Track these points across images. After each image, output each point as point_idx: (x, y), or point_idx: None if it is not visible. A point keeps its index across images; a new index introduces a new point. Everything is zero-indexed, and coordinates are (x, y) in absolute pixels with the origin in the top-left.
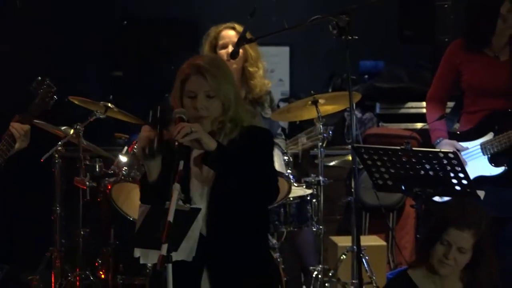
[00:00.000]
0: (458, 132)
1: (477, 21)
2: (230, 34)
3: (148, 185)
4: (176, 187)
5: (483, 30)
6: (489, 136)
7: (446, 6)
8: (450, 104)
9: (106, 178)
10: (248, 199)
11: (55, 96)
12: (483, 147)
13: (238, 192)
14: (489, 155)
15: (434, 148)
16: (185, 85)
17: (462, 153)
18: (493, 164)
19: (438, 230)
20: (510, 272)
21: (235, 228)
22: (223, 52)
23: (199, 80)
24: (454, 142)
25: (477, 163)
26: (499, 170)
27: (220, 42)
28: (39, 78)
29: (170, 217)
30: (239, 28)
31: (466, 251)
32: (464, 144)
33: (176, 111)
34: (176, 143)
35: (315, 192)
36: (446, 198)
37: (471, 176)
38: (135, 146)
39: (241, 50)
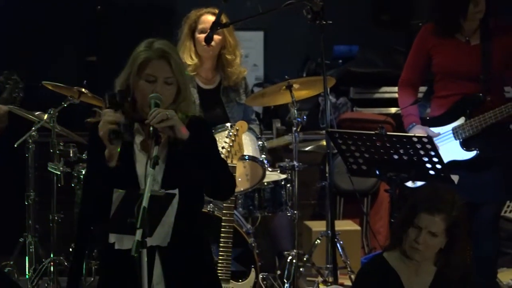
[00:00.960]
0: (427, 118)
1: (448, 6)
2: (210, 19)
3: (106, 172)
4: (151, 172)
5: (455, 15)
6: (461, 121)
7: None
8: (423, 89)
9: (80, 164)
10: (205, 188)
11: (21, 94)
12: (455, 131)
13: (191, 179)
14: (461, 140)
15: (407, 133)
16: (145, 69)
17: (434, 138)
18: (465, 149)
19: (410, 215)
20: (483, 256)
21: (186, 215)
22: (201, 36)
23: (162, 65)
24: (426, 127)
25: (449, 148)
26: (471, 154)
27: (200, 26)
28: (6, 71)
29: (145, 203)
30: None
31: (437, 235)
32: (436, 129)
33: (151, 96)
34: (151, 128)
35: (289, 177)
36: (420, 183)
37: (444, 161)
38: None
39: (220, 37)
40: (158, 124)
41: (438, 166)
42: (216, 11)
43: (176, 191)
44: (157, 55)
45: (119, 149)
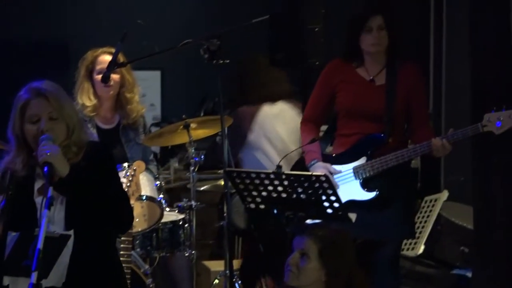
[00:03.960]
0: (333, 155)
1: (348, 33)
2: (107, 59)
3: None
4: (46, 213)
5: (353, 41)
6: (362, 161)
7: (316, 29)
8: (323, 127)
9: None
10: (102, 222)
11: None
12: (356, 171)
13: (90, 217)
14: (361, 180)
15: (308, 170)
16: (26, 111)
17: (335, 176)
18: (365, 189)
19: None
20: None
21: (82, 255)
22: (100, 77)
23: (41, 103)
24: (328, 165)
25: (349, 187)
26: (371, 195)
27: (98, 67)
28: None
29: (40, 245)
30: None
31: (309, 256)
32: (337, 167)
33: (42, 138)
34: (45, 168)
35: (187, 216)
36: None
37: (343, 200)
38: None
39: (118, 76)
40: (41, 157)
41: (336, 204)
42: (112, 50)
43: (71, 232)
44: (34, 94)
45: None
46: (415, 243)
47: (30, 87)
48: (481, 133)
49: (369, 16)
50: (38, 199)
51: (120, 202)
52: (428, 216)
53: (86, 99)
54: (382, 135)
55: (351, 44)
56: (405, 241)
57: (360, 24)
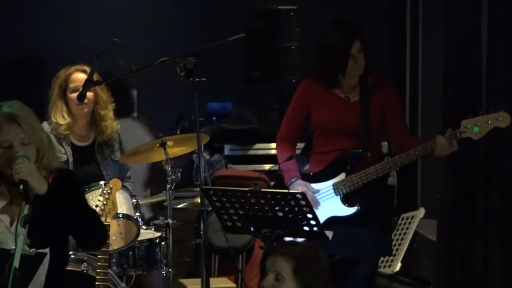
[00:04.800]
0: (308, 173)
1: (327, 61)
2: (80, 77)
3: None
4: (22, 231)
5: (334, 70)
6: (341, 177)
7: (293, 47)
8: (300, 145)
9: None
10: (76, 241)
11: None
12: (336, 187)
13: (61, 236)
14: (341, 195)
15: (288, 188)
16: None
17: (315, 194)
18: (346, 205)
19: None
20: None
21: (56, 272)
22: (74, 95)
23: (13, 128)
24: (307, 183)
25: (330, 204)
26: (352, 210)
27: (71, 86)
28: None
29: (16, 263)
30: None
31: (283, 278)
32: (317, 185)
33: (17, 156)
34: (21, 187)
35: (164, 234)
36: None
37: (324, 217)
38: None
39: (91, 93)
40: (17, 175)
41: (313, 222)
42: (85, 68)
43: (47, 250)
44: (6, 119)
45: None
46: (392, 261)
47: (1, 111)
48: (459, 140)
49: (351, 43)
50: (4, 217)
51: (92, 221)
52: (405, 234)
53: (60, 118)
54: (360, 150)
55: (332, 71)
56: (382, 258)
57: (344, 53)
